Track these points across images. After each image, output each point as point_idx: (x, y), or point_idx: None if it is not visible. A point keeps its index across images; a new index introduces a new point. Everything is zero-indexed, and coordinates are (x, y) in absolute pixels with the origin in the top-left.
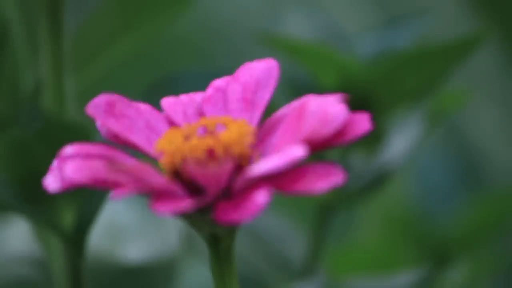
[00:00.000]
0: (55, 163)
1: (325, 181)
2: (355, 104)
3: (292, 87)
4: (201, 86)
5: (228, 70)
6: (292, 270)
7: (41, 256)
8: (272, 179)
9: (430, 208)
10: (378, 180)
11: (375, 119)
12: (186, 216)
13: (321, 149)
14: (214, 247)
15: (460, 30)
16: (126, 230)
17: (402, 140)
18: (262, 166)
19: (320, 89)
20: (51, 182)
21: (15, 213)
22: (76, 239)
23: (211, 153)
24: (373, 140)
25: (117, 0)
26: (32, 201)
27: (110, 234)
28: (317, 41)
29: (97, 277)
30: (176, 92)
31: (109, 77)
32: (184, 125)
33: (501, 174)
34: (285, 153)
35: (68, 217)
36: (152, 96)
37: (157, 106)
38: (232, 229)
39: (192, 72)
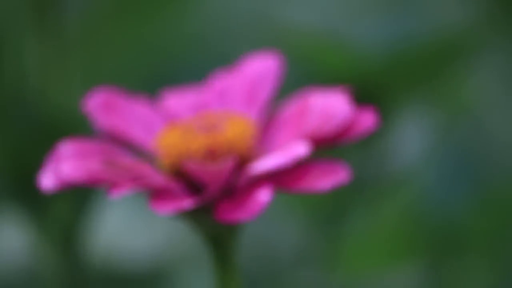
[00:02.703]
0: (50, 161)
1: (329, 180)
2: (361, 96)
3: (295, 80)
4: (202, 80)
5: (230, 62)
6: (295, 266)
7: (35, 261)
8: (274, 177)
9: (440, 204)
10: (390, 178)
11: (382, 112)
12: (186, 215)
13: (325, 146)
14: (215, 247)
15: (468, 21)
16: (124, 231)
17: (415, 137)
18: (264, 163)
19: (325, 82)
20: (46, 181)
21: (9, 208)
22: (71, 236)
23: (211, 150)
24: (382, 133)
25: None
26: (27, 196)
27: (108, 235)
28: (322, 32)
29: (93, 278)
30: (176, 86)
31: (110, 69)
32: (183, 121)
33: (505, 170)
34: (288, 150)
35: (64, 213)
36: (152, 91)
37: (156, 100)
38: (233, 228)
39: (192, 66)
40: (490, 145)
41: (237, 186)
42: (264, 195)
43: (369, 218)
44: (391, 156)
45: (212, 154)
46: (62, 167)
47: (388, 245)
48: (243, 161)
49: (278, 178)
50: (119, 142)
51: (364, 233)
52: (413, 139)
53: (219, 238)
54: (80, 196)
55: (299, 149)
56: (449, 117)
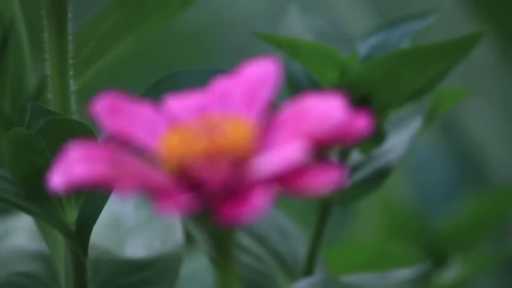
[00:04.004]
0: (59, 163)
1: (325, 182)
2: (354, 104)
3: (292, 86)
4: (203, 84)
5: (230, 67)
6: (293, 268)
7: (46, 251)
8: (272, 180)
9: (427, 206)
10: (377, 178)
11: (375, 118)
12: (188, 215)
13: (321, 150)
14: (215, 246)
15: (458, 29)
16: (129, 226)
17: (401, 138)
18: (262, 167)
19: (320, 89)
20: (56, 182)
21: (19, 209)
22: (79, 235)
23: (212, 153)
24: (372, 138)
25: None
26: (36, 198)
27: (114, 230)
28: (317, 41)
29: (100, 272)
30: (177, 90)
31: (109, 73)
32: (185, 124)
33: (498, 172)
34: (285, 154)
35: (71, 214)
36: (155, 94)
37: (160, 104)
38: (233, 229)
39: (194, 70)
40: (475, 149)
41: (236, 188)
42: (262, 197)
43: (355, 220)
44: (380, 157)
45: (212, 156)
46: (71, 168)
47: (375, 248)
48: (242, 163)
49: (275, 181)
50: (125, 144)
51: (350, 237)
52: (403, 145)
53: (219, 237)
54: (89, 191)
55: (296, 153)
56: (435, 122)
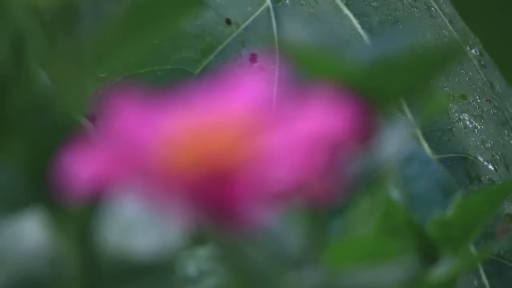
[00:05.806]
0: (70, 162)
1: (320, 191)
2: (350, 107)
3: (288, 92)
4: (200, 90)
5: (232, 70)
6: (290, 266)
7: (54, 251)
8: (269, 188)
9: (418, 205)
10: (369, 178)
11: (369, 122)
12: (192, 218)
13: (315, 156)
14: (217, 245)
15: (451, 36)
16: (134, 224)
17: (393, 141)
18: (259, 176)
19: (317, 93)
20: (66, 181)
21: (29, 208)
22: (86, 234)
23: (206, 161)
24: (365, 141)
25: (129, 5)
26: (45, 197)
27: (119, 228)
28: (314, 46)
29: (105, 271)
30: (181, 91)
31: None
32: (184, 131)
33: (488, 176)
34: (281, 161)
35: (78, 213)
36: (161, 97)
37: (162, 107)
38: (234, 230)
39: (195, 74)
40: (466, 151)
41: (232, 199)
42: (260, 206)
43: (352, 218)
44: (372, 159)
45: (208, 166)
46: (83, 166)
47: (366, 245)
48: (237, 172)
49: (272, 189)
50: (133, 147)
51: (343, 235)
52: (395, 148)
53: (221, 237)
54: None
55: (289, 161)
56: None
